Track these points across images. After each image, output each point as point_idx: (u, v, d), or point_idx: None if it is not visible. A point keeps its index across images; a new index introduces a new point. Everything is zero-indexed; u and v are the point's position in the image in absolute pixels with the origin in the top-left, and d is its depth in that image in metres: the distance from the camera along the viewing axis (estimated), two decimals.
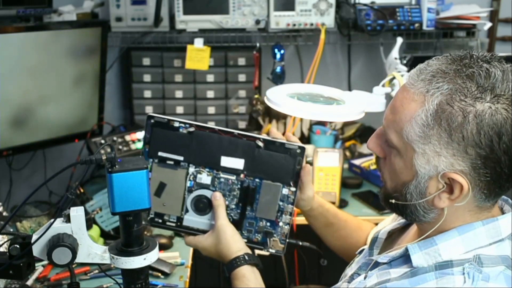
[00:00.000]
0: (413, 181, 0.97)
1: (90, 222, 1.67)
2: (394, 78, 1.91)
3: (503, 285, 0.92)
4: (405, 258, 1.01)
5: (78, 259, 1.09)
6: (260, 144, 1.22)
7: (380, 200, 1.09)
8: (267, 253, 1.31)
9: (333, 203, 2.00)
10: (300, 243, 1.48)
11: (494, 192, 0.95)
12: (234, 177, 1.25)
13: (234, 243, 1.23)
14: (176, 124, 1.23)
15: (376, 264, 1.07)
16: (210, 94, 2.51)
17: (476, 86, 0.88)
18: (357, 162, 2.33)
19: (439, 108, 0.90)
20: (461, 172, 0.91)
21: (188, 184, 1.26)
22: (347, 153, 2.43)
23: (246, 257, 1.20)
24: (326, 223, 1.39)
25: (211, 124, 1.28)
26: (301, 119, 2.41)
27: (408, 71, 2.06)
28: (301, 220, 1.91)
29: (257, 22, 2.32)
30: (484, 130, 0.87)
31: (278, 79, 2.35)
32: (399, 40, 2.28)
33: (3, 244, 1.29)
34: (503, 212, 1.03)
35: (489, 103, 0.88)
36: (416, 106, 0.93)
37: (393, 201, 1.02)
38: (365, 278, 1.06)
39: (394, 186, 1.02)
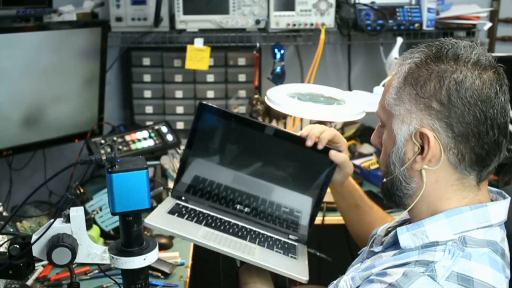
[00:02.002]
0: (394, 148, 1.03)
1: (90, 222, 1.69)
2: None
3: (486, 265, 0.94)
4: (396, 242, 1.05)
5: (78, 259, 1.09)
6: None
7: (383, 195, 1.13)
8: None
9: (333, 203, 2.00)
10: (318, 254, 1.56)
11: (467, 155, 0.97)
12: None
13: None
14: None
15: (372, 253, 1.12)
16: (210, 94, 2.51)
17: (442, 53, 0.99)
18: (357, 162, 2.32)
19: (409, 71, 1.01)
20: (430, 127, 0.98)
21: None
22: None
23: None
24: (354, 204, 1.46)
25: None
26: (301, 119, 2.41)
27: None
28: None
29: (257, 22, 2.32)
30: (446, 85, 0.96)
31: (278, 79, 2.35)
32: (399, 40, 2.28)
33: (3, 244, 1.29)
34: None
35: (452, 63, 0.97)
36: (393, 78, 1.05)
37: (385, 180, 1.08)
38: (361, 264, 1.13)
39: (384, 165, 1.08)
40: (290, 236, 1.50)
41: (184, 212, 1.43)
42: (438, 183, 1.01)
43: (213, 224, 1.42)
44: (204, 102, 1.40)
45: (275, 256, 1.37)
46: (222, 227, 1.42)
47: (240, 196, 1.49)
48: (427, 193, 1.02)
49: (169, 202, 1.47)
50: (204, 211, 1.47)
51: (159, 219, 1.34)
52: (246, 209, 1.49)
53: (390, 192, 1.08)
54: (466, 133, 0.96)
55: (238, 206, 1.48)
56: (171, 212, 1.41)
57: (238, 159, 1.47)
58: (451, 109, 0.95)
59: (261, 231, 1.47)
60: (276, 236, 1.48)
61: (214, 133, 1.44)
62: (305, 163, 1.45)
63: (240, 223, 1.47)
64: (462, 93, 0.94)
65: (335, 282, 1.13)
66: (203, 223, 1.41)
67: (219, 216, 1.47)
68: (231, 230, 1.42)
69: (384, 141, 1.07)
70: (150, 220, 1.30)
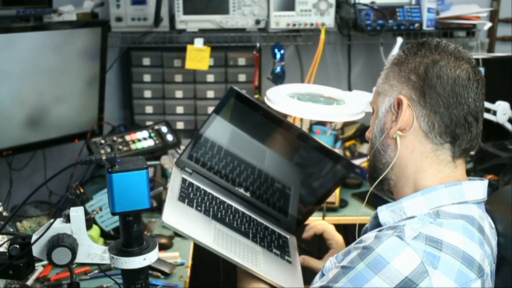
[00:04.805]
0: (376, 121, 1.15)
1: (90, 222, 1.69)
2: None
3: (458, 233, 0.99)
4: (378, 224, 1.11)
5: (78, 259, 1.09)
6: None
7: (367, 179, 1.23)
8: None
9: (333, 203, 2.00)
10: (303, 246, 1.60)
11: (436, 123, 1.06)
12: None
13: None
14: None
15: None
16: (210, 94, 2.51)
17: (425, 42, 1.13)
18: (357, 162, 2.32)
19: (397, 57, 1.15)
20: (406, 96, 1.09)
21: None
22: (347, 153, 2.43)
23: None
24: None
25: None
26: (301, 119, 2.41)
27: None
28: None
29: (257, 22, 2.32)
30: (424, 63, 1.09)
31: (278, 79, 2.35)
32: (399, 40, 2.28)
33: (3, 244, 1.29)
34: None
35: (431, 51, 1.10)
36: None
37: (368, 156, 1.18)
38: None
39: (370, 145, 1.18)
40: (281, 226, 1.57)
41: (192, 195, 1.44)
42: (414, 153, 1.09)
43: (219, 216, 1.44)
44: (235, 88, 1.44)
45: (275, 263, 1.42)
46: (227, 220, 1.45)
47: (243, 172, 1.53)
48: (404, 163, 1.10)
49: (175, 178, 1.48)
50: (208, 190, 1.50)
51: (174, 216, 1.33)
52: (246, 191, 1.54)
53: (373, 168, 1.16)
54: (436, 103, 1.06)
55: (238, 189, 1.54)
56: (181, 198, 1.41)
57: (253, 143, 1.51)
58: (425, 80, 1.07)
59: (258, 219, 1.53)
60: (271, 227, 1.54)
61: (239, 115, 1.46)
62: (318, 167, 1.51)
63: (240, 208, 1.53)
64: (437, 70, 1.07)
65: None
66: (211, 214, 1.43)
67: (220, 197, 1.51)
68: (235, 224, 1.45)
69: (371, 122, 1.18)
70: (167, 219, 1.29)
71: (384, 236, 0.98)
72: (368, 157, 1.19)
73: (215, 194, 1.51)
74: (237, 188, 1.54)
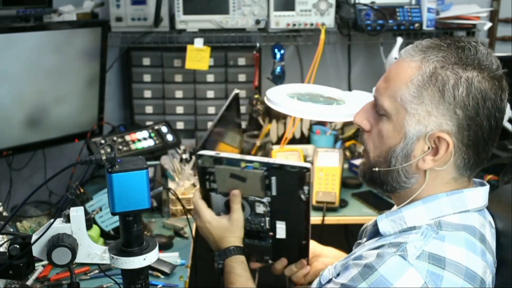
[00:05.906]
0: (401, 143, 1.02)
1: (90, 222, 1.67)
2: None
3: (461, 247, 0.97)
4: (377, 231, 1.08)
5: (78, 259, 1.09)
6: None
7: (359, 175, 1.14)
8: None
9: (333, 203, 2.00)
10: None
11: (472, 159, 1.01)
12: None
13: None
14: None
15: (359, 245, 1.16)
16: (210, 94, 2.51)
17: (466, 57, 0.98)
18: (357, 162, 2.33)
19: (435, 71, 0.98)
20: (447, 132, 0.98)
21: None
22: (347, 153, 2.43)
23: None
24: None
25: None
26: (301, 119, 2.41)
27: None
28: None
29: (257, 22, 2.32)
30: (473, 94, 0.96)
31: (278, 79, 2.35)
32: (399, 40, 2.28)
33: (3, 244, 1.29)
34: None
35: (476, 72, 0.97)
36: (412, 71, 1.00)
37: (377, 169, 1.06)
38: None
39: (378, 154, 1.06)
40: None
41: None
42: (435, 180, 1.04)
43: None
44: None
45: None
46: None
47: None
48: (422, 188, 1.05)
49: None
50: None
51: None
52: None
53: (382, 180, 1.07)
54: (479, 140, 0.99)
55: None
56: None
57: None
58: (473, 118, 0.97)
59: None
60: None
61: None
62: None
63: None
64: (487, 105, 0.97)
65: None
66: None
67: None
68: None
69: (385, 131, 1.04)
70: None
71: (386, 255, 0.96)
72: (377, 168, 1.07)
73: None
74: None
